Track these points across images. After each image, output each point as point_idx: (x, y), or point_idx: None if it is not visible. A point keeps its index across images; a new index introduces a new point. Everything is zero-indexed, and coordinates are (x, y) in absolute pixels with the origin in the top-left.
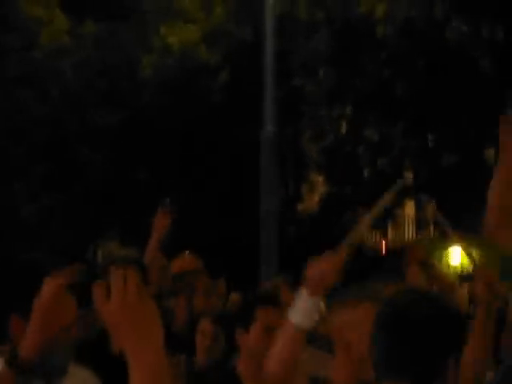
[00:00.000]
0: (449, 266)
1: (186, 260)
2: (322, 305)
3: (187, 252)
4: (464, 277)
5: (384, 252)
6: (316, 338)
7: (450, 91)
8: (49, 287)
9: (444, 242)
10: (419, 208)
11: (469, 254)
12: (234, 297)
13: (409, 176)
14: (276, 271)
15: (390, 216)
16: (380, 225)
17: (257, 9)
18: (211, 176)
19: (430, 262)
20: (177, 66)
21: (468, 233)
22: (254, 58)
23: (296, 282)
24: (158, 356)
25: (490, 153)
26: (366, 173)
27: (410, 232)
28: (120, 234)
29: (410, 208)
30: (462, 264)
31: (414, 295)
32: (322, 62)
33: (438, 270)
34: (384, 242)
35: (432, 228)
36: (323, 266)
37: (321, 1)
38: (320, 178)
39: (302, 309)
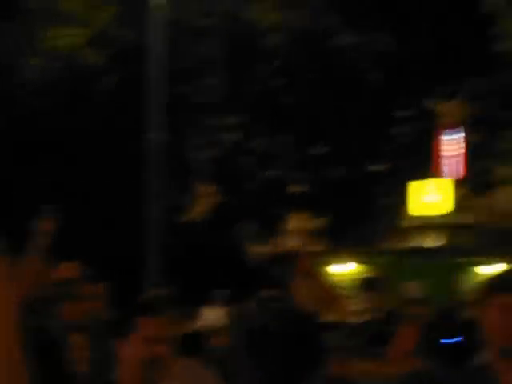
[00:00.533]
0: (335, 275)
1: (67, 268)
2: None
3: (70, 260)
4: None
5: (271, 263)
6: None
7: (339, 103)
8: None
9: (331, 253)
10: (307, 220)
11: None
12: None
13: (296, 188)
14: (159, 281)
15: (277, 228)
16: (267, 236)
17: (144, 13)
18: (94, 183)
19: (314, 273)
20: (62, 68)
21: (355, 242)
22: (140, 64)
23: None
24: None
25: (375, 167)
26: (253, 184)
27: (296, 244)
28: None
29: (297, 220)
30: (350, 274)
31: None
32: (211, 70)
33: (321, 282)
34: (271, 253)
35: (320, 239)
36: None
37: (211, 7)
38: (206, 188)
39: None
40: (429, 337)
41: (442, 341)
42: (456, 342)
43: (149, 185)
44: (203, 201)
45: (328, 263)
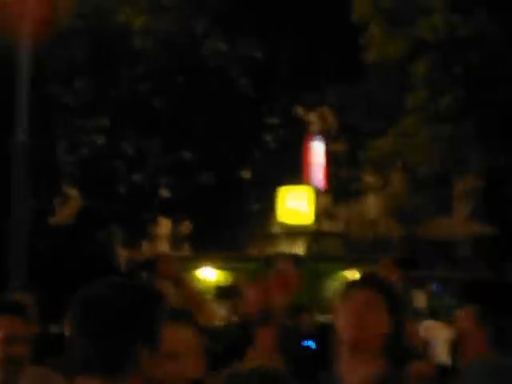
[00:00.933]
0: (201, 281)
1: None
2: None
3: None
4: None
5: (139, 268)
6: None
7: (208, 109)
8: None
9: (198, 258)
10: (175, 225)
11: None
12: None
13: (165, 193)
14: (24, 284)
15: (144, 233)
16: (136, 241)
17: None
18: None
19: (179, 277)
20: None
21: (223, 248)
22: (7, 63)
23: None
24: None
25: (245, 173)
26: (121, 188)
27: (164, 248)
28: None
29: (165, 225)
30: (216, 281)
31: (103, 288)
32: (79, 71)
33: (186, 286)
34: (139, 257)
35: (188, 244)
36: None
37: (79, 8)
38: (74, 191)
39: None
40: (287, 339)
41: (303, 343)
42: (310, 344)
43: (16, 186)
44: (71, 204)
45: (195, 268)
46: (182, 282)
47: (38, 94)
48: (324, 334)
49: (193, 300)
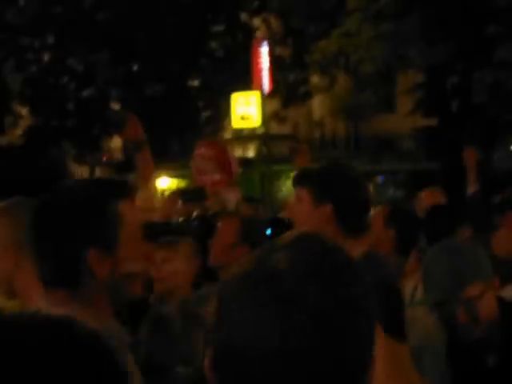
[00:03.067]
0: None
1: None
2: None
3: None
4: None
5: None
6: None
7: (153, 19)
8: None
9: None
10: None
11: None
12: None
13: (115, 106)
14: None
15: (97, 147)
16: (88, 157)
17: None
18: None
19: (142, 141)
20: None
21: (175, 158)
22: None
23: None
24: None
25: (193, 82)
26: (71, 104)
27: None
28: None
29: (117, 139)
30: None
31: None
32: None
33: (147, 151)
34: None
35: None
36: None
37: None
38: (24, 110)
39: None
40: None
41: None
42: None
43: None
44: (21, 123)
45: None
46: (145, 147)
47: None
48: (277, 224)
49: (146, 166)
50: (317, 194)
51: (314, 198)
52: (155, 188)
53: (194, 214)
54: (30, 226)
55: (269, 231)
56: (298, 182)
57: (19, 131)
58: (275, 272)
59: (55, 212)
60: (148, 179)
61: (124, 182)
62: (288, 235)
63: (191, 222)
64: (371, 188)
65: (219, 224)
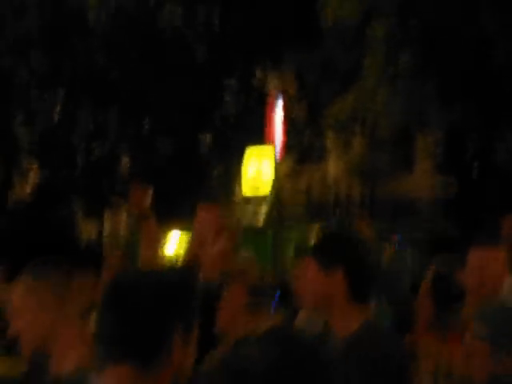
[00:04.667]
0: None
1: None
2: None
3: None
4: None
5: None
6: None
7: (165, 77)
8: None
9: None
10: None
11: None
12: None
13: (125, 163)
14: None
15: (107, 204)
16: (96, 212)
17: None
18: None
19: (148, 212)
20: None
21: (185, 217)
22: None
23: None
24: None
25: (205, 139)
26: (80, 160)
27: (126, 219)
28: None
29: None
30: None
31: (136, 274)
32: (33, 43)
33: (152, 222)
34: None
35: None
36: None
37: None
38: (33, 165)
39: None
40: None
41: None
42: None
43: None
44: (30, 178)
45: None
46: (150, 218)
47: None
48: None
49: (152, 235)
50: (326, 261)
51: (323, 266)
52: (160, 256)
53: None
54: (108, 302)
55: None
56: (303, 251)
57: (28, 187)
58: (240, 370)
59: (146, 291)
60: (152, 249)
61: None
62: (257, 331)
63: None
64: (387, 251)
65: (225, 291)
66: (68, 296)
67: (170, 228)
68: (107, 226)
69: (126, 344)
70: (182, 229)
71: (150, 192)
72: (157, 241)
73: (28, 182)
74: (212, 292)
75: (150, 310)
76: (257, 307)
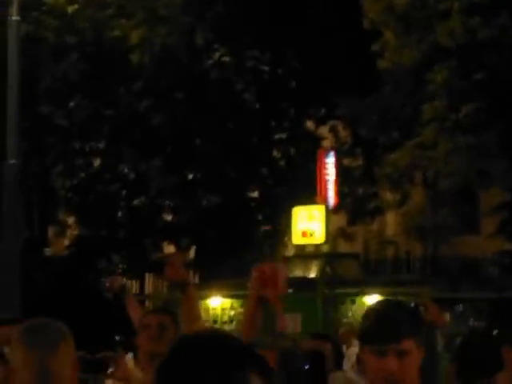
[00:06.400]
0: (208, 310)
1: None
2: None
3: None
4: None
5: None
6: None
7: (212, 125)
8: None
9: (205, 287)
10: (180, 251)
11: None
12: None
13: (168, 217)
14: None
15: (147, 260)
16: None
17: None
18: None
19: (186, 282)
20: None
21: (230, 273)
22: None
23: None
24: None
25: (252, 194)
26: (121, 213)
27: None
28: None
29: (169, 251)
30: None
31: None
32: (72, 90)
33: (191, 293)
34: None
35: (193, 272)
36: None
37: (71, 23)
38: (70, 219)
39: None
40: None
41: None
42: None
43: (7, 215)
44: (67, 233)
45: (203, 297)
46: (189, 290)
47: (29, 114)
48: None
49: (191, 311)
50: (421, 339)
51: (418, 346)
52: (202, 327)
53: None
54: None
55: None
56: (403, 334)
57: (65, 241)
58: None
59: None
60: (192, 321)
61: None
62: None
63: None
64: (449, 316)
65: None
66: None
67: (211, 292)
68: (149, 284)
69: None
70: (223, 296)
71: (183, 260)
72: (197, 312)
73: (65, 236)
74: None
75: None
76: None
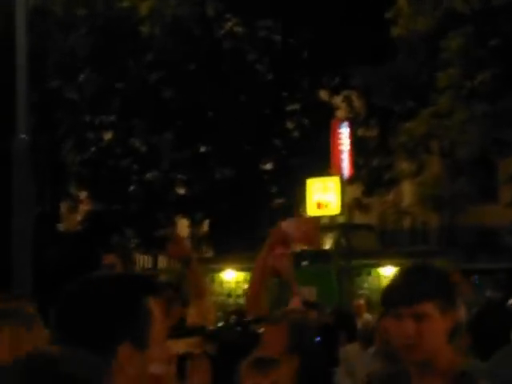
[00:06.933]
0: (222, 283)
1: None
2: None
3: None
4: None
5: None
6: None
7: (223, 97)
8: None
9: (219, 260)
10: (193, 225)
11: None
12: None
13: (181, 190)
14: (30, 295)
15: (162, 234)
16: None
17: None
18: None
19: (189, 259)
20: None
21: (244, 247)
22: (4, 55)
23: None
24: None
25: (266, 165)
26: (133, 187)
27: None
28: None
29: (183, 225)
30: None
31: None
32: (82, 64)
33: (195, 270)
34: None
35: (207, 246)
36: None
37: None
38: (82, 194)
39: None
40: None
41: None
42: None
43: (18, 191)
44: (79, 208)
45: (217, 271)
46: (192, 265)
47: (39, 89)
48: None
49: (198, 285)
50: (444, 303)
51: (442, 310)
52: (210, 302)
53: (232, 317)
54: (57, 312)
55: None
56: (418, 296)
57: (77, 217)
58: None
59: (89, 303)
60: (199, 296)
61: (152, 280)
62: None
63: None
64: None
65: (264, 333)
66: None
67: (225, 266)
68: (162, 258)
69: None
70: (237, 269)
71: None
72: (204, 287)
73: (78, 211)
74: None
75: (91, 321)
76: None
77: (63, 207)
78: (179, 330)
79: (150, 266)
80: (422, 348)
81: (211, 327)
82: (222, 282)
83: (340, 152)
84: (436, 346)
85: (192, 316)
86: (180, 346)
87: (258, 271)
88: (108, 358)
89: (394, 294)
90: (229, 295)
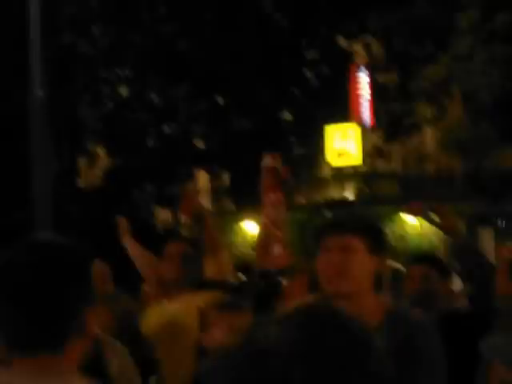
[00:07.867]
0: (245, 235)
1: None
2: None
3: None
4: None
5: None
6: None
7: (240, 47)
8: None
9: (240, 212)
10: (213, 178)
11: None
12: None
13: (199, 143)
14: None
15: (181, 188)
16: (171, 199)
17: None
18: None
19: (201, 214)
20: None
21: (250, 199)
22: (17, 11)
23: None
24: None
25: (286, 114)
26: (151, 141)
27: (204, 203)
28: None
29: (203, 178)
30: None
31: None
32: (95, 17)
33: (208, 225)
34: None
35: (227, 198)
36: None
37: None
38: (100, 149)
39: None
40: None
41: None
42: None
43: (35, 147)
44: (98, 163)
45: (237, 222)
46: (207, 221)
47: (52, 44)
48: None
49: (211, 240)
50: (372, 245)
51: (369, 250)
52: (225, 257)
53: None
54: (5, 281)
55: None
56: (345, 229)
57: (96, 172)
58: (261, 350)
59: (46, 269)
60: (214, 251)
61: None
62: (292, 308)
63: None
64: (491, 233)
65: (287, 283)
66: None
67: (246, 217)
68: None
69: (29, 331)
70: (258, 220)
71: (198, 194)
72: (218, 243)
73: (96, 166)
74: (271, 280)
75: (55, 289)
76: None
77: (81, 163)
78: (199, 284)
79: (170, 221)
80: (346, 277)
81: (230, 281)
82: (245, 235)
83: (358, 97)
84: (361, 278)
85: (208, 271)
86: (200, 300)
87: (263, 223)
88: (72, 323)
89: (324, 229)
90: (251, 247)
